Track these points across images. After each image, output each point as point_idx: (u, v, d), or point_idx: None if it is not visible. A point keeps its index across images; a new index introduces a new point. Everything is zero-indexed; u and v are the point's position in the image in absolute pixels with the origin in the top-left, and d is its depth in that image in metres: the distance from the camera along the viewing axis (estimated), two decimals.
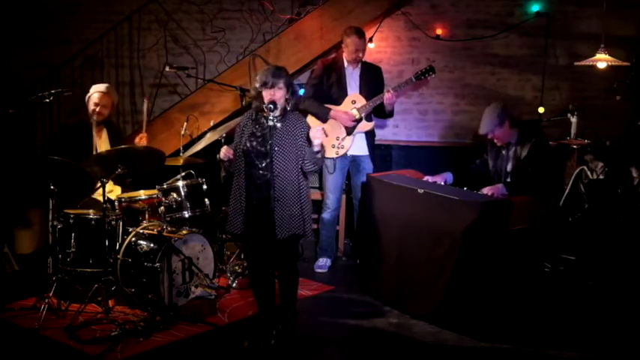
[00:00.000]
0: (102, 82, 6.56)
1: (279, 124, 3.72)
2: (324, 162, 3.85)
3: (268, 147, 3.67)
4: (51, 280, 4.36)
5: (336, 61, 5.38)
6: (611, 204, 5.03)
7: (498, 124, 4.57)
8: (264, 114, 3.73)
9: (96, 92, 4.95)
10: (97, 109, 4.91)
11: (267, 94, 3.71)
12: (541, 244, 4.47)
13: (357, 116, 5.21)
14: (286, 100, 3.77)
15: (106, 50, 6.97)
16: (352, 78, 5.31)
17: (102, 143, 4.99)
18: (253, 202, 3.75)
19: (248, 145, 3.77)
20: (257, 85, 3.76)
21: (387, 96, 5.07)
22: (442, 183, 4.67)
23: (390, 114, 5.29)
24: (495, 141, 4.66)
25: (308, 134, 3.75)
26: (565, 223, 5.18)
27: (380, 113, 5.32)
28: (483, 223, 3.95)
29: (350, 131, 5.23)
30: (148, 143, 5.07)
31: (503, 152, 4.71)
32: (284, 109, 3.79)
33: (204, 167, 5.13)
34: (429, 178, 4.71)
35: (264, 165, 3.73)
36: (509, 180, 4.63)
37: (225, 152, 3.86)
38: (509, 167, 4.67)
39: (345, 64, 5.31)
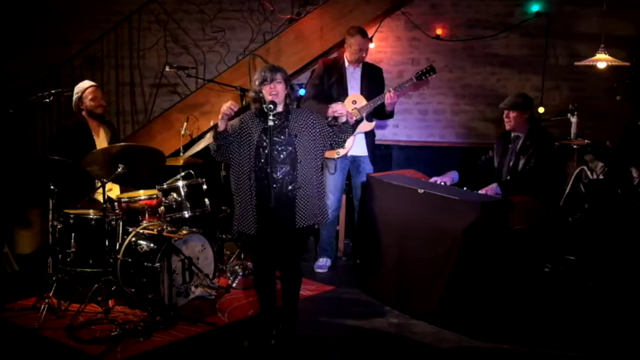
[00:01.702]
0: (102, 82, 6.59)
1: (277, 122, 3.74)
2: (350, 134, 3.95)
3: (284, 137, 3.75)
4: (51, 280, 4.36)
5: (337, 60, 5.38)
6: (611, 204, 5.03)
7: (522, 108, 4.64)
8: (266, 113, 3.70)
9: (89, 87, 4.99)
10: (99, 102, 4.98)
11: (268, 90, 3.72)
12: (541, 244, 4.47)
13: (358, 117, 5.21)
14: (287, 95, 3.78)
15: (106, 50, 6.97)
16: (353, 78, 5.30)
17: (101, 142, 5.00)
18: (269, 202, 3.67)
19: (263, 138, 3.74)
20: (257, 83, 3.76)
21: (389, 96, 5.07)
22: (449, 182, 4.67)
23: (391, 115, 5.28)
24: (506, 121, 4.69)
25: (326, 120, 3.86)
26: (565, 223, 5.18)
27: (380, 114, 5.31)
28: (483, 223, 3.95)
29: (355, 124, 5.22)
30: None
31: (510, 146, 4.72)
32: (287, 105, 3.80)
33: (204, 167, 5.14)
34: (436, 179, 4.70)
35: (282, 158, 3.75)
36: (509, 177, 4.64)
37: (229, 107, 3.76)
38: (512, 162, 4.68)
39: (346, 63, 5.31)
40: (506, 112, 4.70)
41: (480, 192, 4.45)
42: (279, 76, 3.74)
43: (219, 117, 3.76)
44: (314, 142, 3.81)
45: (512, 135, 4.74)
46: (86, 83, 5.04)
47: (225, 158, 3.85)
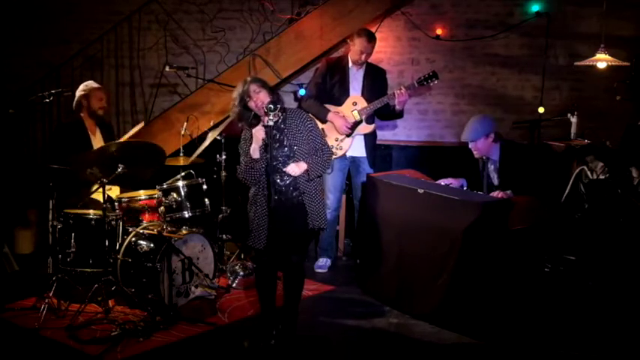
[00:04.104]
0: (102, 82, 6.58)
1: (276, 136, 3.77)
2: (328, 166, 3.93)
3: (287, 149, 3.77)
4: (51, 280, 4.37)
5: (340, 60, 5.35)
6: (611, 204, 5.03)
7: (483, 134, 4.56)
8: (266, 117, 3.69)
9: (97, 88, 5.01)
10: (104, 104, 5.02)
11: (253, 105, 3.75)
12: (541, 244, 4.47)
13: (357, 119, 5.20)
14: (272, 98, 3.78)
15: (106, 50, 6.97)
16: (355, 79, 5.28)
17: (97, 141, 5.01)
18: (276, 204, 3.69)
19: (266, 155, 3.74)
20: (237, 103, 3.78)
21: (399, 93, 5.03)
22: (456, 185, 4.67)
23: (400, 114, 5.25)
24: (475, 152, 4.64)
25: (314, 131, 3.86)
26: (565, 223, 5.17)
27: (389, 115, 5.29)
28: (483, 223, 3.95)
29: (349, 133, 5.22)
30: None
31: (489, 166, 4.69)
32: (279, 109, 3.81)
33: (204, 167, 5.13)
34: (445, 181, 4.69)
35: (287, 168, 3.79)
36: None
37: (261, 134, 3.76)
38: (496, 182, 4.68)
39: (350, 64, 5.29)
40: (472, 144, 4.62)
41: (494, 194, 4.46)
42: (254, 87, 3.76)
43: (255, 143, 3.76)
44: (310, 147, 3.83)
45: (484, 157, 4.71)
46: (94, 84, 5.06)
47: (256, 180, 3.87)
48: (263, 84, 3.81)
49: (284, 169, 3.76)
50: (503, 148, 4.61)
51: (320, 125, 5.05)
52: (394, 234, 4.47)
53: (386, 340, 4.09)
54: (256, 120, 3.80)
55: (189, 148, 5.34)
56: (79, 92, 5.00)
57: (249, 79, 3.83)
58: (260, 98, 3.74)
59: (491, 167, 4.70)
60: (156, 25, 6.99)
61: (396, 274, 4.47)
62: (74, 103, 5.03)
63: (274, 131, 3.73)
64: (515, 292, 4.18)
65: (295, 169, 3.75)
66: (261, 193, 3.82)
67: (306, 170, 3.78)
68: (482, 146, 4.59)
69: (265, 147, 3.74)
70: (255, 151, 3.78)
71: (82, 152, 4.64)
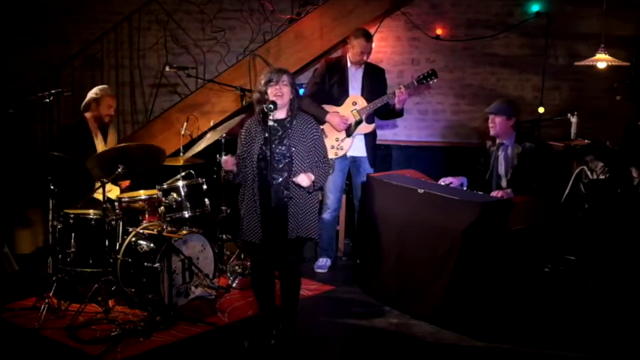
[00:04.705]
0: (102, 82, 6.60)
1: (279, 132, 3.77)
2: (326, 179, 3.95)
3: (284, 148, 3.76)
4: (51, 280, 4.37)
5: (339, 60, 5.36)
6: (611, 204, 5.03)
7: (507, 114, 4.60)
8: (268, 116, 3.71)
9: (108, 95, 5.01)
10: (112, 113, 5.03)
11: (273, 92, 3.74)
12: (541, 244, 4.47)
13: (357, 118, 5.20)
14: (292, 100, 3.80)
15: (105, 50, 6.98)
16: (355, 78, 5.29)
17: (99, 143, 5.02)
18: (269, 204, 3.70)
19: (264, 149, 3.74)
20: (262, 83, 3.79)
21: (399, 92, 5.04)
22: (456, 183, 4.68)
23: (400, 113, 5.25)
24: (491, 127, 4.66)
25: (319, 138, 3.87)
26: (565, 223, 5.18)
27: (388, 114, 5.29)
28: (483, 223, 3.95)
29: (349, 133, 5.22)
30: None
31: (498, 154, 4.71)
32: (292, 110, 3.82)
33: (204, 167, 5.14)
34: (445, 180, 4.69)
35: (281, 167, 3.77)
36: (503, 183, 4.64)
37: (230, 162, 3.79)
38: (501, 170, 4.68)
39: (349, 64, 5.29)
40: (491, 117, 4.65)
41: (494, 194, 4.46)
42: (285, 78, 3.77)
43: (224, 172, 3.86)
44: (309, 153, 3.82)
45: (497, 141, 4.73)
46: (109, 90, 5.09)
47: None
48: (293, 81, 3.84)
49: (294, 180, 3.74)
50: (518, 138, 4.64)
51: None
52: (394, 234, 4.47)
53: (386, 340, 4.09)
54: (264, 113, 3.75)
55: (190, 147, 5.33)
56: (92, 94, 5.00)
57: (284, 69, 3.88)
58: (282, 90, 3.75)
59: (501, 154, 4.69)
60: (156, 25, 6.99)
61: (396, 274, 4.47)
62: (84, 102, 5.03)
63: (278, 127, 3.75)
64: (515, 293, 4.18)
65: (305, 179, 3.72)
66: (249, 190, 3.82)
67: (314, 181, 3.78)
68: (500, 123, 4.61)
69: (264, 144, 3.74)
70: (226, 163, 3.81)
71: (85, 153, 4.66)
